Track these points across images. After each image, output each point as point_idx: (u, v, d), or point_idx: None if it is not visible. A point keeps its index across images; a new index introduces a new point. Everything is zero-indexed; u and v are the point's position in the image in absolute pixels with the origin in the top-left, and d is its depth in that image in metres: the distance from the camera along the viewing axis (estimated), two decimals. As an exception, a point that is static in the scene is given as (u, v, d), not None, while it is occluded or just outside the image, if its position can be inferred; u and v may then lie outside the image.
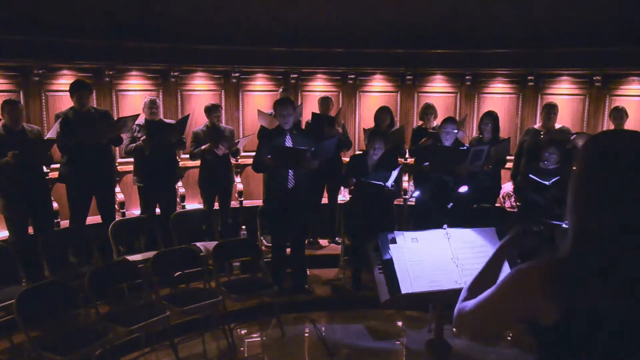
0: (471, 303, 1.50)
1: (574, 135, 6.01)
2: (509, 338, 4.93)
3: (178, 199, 6.61)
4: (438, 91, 7.54)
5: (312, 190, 5.59)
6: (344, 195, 7.01)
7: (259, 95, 7.38)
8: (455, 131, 5.51)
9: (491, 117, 6.01)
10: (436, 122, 6.53)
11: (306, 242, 6.00)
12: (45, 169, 5.52)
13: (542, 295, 1.30)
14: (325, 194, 6.72)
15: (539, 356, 1.42)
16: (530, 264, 1.36)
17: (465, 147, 5.54)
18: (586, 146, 1.38)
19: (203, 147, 5.95)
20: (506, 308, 1.41)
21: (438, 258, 2.72)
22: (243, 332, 5.04)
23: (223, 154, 5.97)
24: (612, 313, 1.27)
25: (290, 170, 5.19)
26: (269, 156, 5.06)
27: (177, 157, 6.34)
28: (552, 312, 1.30)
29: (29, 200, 5.07)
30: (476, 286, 1.58)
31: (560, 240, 1.40)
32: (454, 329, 1.56)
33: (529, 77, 7.19)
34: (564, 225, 1.44)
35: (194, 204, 6.78)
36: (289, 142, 5.18)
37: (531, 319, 1.36)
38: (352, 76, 7.46)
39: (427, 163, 5.51)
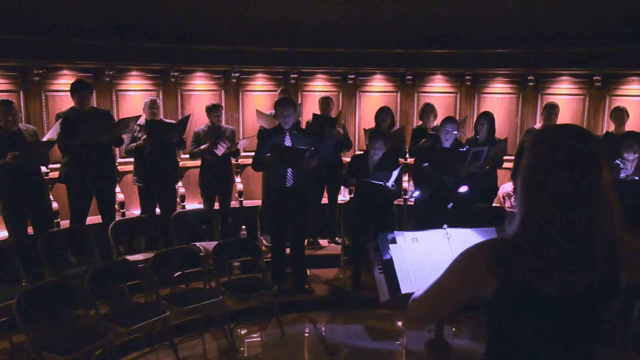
0: (421, 291, 1.68)
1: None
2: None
3: (178, 199, 6.61)
4: (438, 91, 7.54)
5: (310, 189, 5.59)
6: (344, 195, 7.01)
7: (259, 95, 7.38)
8: (455, 132, 5.51)
9: (487, 118, 6.01)
10: (436, 122, 6.54)
11: (306, 242, 6.00)
12: (44, 169, 5.52)
13: (486, 270, 1.48)
14: (325, 194, 6.72)
15: (488, 331, 1.60)
16: (478, 244, 1.56)
17: (465, 149, 5.53)
18: (528, 139, 1.55)
19: (202, 146, 5.95)
20: (456, 284, 1.59)
21: (438, 258, 2.71)
22: (243, 332, 5.03)
23: (223, 154, 5.97)
24: (544, 287, 1.44)
25: (289, 169, 5.19)
26: (268, 154, 5.05)
27: (177, 157, 6.34)
28: (493, 285, 1.48)
29: (28, 201, 5.07)
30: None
31: (507, 223, 1.57)
32: (405, 320, 1.78)
33: (529, 77, 7.19)
34: None
35: (194, 204, 6.78)
36: (288, 142, 5.18)
37: (477, 293, 1.54)
38: (352, 76, 7.46)
39: (426, 164, 5.51)
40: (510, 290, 1.47)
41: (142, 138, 5.63)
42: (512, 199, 6.73)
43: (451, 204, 5.41)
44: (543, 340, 1.51)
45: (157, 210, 5.95)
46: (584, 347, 1.54)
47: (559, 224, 1.43)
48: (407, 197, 6.74)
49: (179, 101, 7.04)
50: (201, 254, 5.05)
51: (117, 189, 6.20)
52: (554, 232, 1.44)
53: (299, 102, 7.15)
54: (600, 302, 1.49)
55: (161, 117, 6.03)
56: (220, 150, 5.91)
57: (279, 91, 6.79)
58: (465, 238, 2.81)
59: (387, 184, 5.17)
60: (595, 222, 1.44)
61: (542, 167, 1.47)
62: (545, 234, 1.44)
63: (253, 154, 5.50)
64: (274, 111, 6.32)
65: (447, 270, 1.60)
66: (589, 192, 1.43)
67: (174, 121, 6.11)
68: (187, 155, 6.34)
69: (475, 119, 6.53)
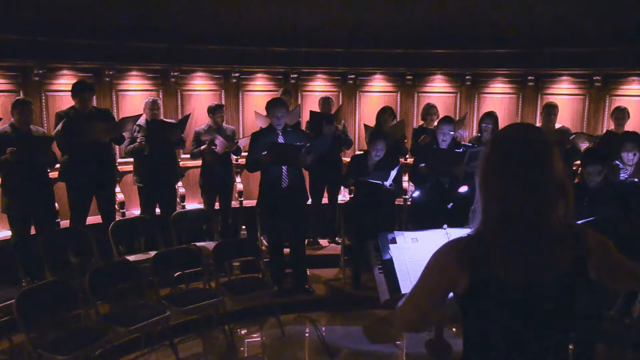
0: (404, 298, 1.70)
1: (574, 135, 6.01)
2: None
3: (178, 199, 6.60)
4: (438, 91, 7.54)
5: (305, 189, 5.56)
6: (344, 195, 7.01)
7: (259, 95, 7.37)
8: (452, 133, 5.49)
9: (491, 118, 6.01)
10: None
11: (306, 242, 5.99)
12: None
13: (457, 267, 1.53)
14: (325, 194, 6.72)
15: (463, 325, 1.63)
16: (447, 243, 1.61)
17: (461, 150, 5.51)
18: (489, 139, 1.59)
19: (202, 147, 5.95)
20: (434, 286, 1.61)
21: (438, 258, 2.71)
22: (243, 332, 5.04)
23: (222, 151, 5.96)
24: (509, 278, 1.48)
25: (284, 169, 5.18)
26: (264, 152, 5.02)
27: (177, 157, 6.34)
28: (465, 281, 1.53)
29: (33, 199, 5.07)
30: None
31: (470, 221, 1.61)
32: (392, 326, 1.79)
33: (529, 77, 7.19)
34: None
35: (194, 204, 6.78)
36: (281, 140, 5.16)
37: (451, 290, 1.58)
38: (352, 76, 7.46)
39: (422, 165, 5.50)
40: (480, 284, 1.51)
41: (139, 140, 5.63)
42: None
43: (451, 204, 5.41)
44: (515, 332, 1.53)
45: (157, 210, 5.95)
46: (556, 337, 1.55)
47: (515, 214, 1.49)
48: (407, 197, 6.74)
49: (179, 101, 7.04)
50: (201, 254, 5.04)
51: (117, 189, 6.20)
52: (511, 222, 1.49)
53: (299, 102, 7.14)
54: (569, 291, 1.52)
55: (161, 117, 6.02)
56: (219, 147, 5.88)
57: (280, 92, 6.78)
58: (465, 238, 2.80)
59: (386, 183, 5.16)
60: (550, 209, 1.49)
61: (494, 162, 1.54)
62: (504, 225, 1.50)
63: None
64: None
65: (423, 274, 1.63)
66: (541, 180, 1.49)
67: (173, 121, 6.10)
68: (188, 155, 6.34)
69: (475, 119, 6.53)
